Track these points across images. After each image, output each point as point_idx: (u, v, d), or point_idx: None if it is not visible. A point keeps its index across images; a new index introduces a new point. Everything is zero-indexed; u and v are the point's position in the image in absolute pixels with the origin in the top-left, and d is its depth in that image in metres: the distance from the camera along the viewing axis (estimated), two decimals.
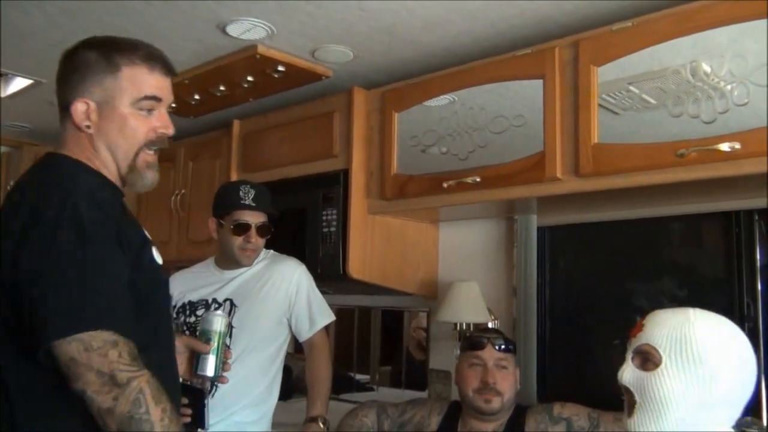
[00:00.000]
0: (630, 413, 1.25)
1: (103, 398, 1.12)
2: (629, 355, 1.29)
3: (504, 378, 2.08)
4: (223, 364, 1.67)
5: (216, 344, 1.65)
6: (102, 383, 1.13)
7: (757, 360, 2.04)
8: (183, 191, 3.47)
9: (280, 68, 2.62)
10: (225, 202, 2.30)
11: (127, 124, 1.33)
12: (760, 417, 2.03)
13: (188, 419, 1.67)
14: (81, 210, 1.20)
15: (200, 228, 3.13)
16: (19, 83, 3.03)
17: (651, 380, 1.23)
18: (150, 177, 1.40)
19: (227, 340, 1.72)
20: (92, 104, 1.32)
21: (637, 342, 1.28)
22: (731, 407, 1.22)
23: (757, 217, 2.15)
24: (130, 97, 1.32)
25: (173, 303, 2.34)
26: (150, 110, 1.35)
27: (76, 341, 1.13)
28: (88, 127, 1.33)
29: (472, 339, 2.18)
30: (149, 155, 1.37)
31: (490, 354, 2.10)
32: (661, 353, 1.23)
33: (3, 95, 3.14)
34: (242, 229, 2.25)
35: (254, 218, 2.27)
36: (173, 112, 3.20)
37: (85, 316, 1.15)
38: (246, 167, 3.09)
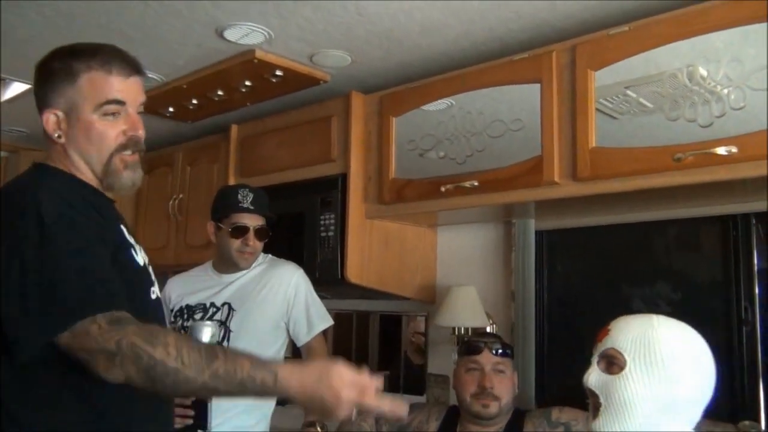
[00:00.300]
0: (595, 415, 1.29)
1: (114, 371, 1.13)
2: (595, 359, 1.33)
3: (501, 382, 2.08)
4: None
5: None
6: (103, 359, 1.13)
7: (755, 364, 2.09)
8: (181, 196, 3.47)
9: (278, 73, 2.63)
10: (223, 205, 2.31)
11: (93, 130, 1.33)
12: (758, 420, 2.03)
13: (190, 420, 1.65)
14: (43, 210, 1.19)
15: (198, 232, 3.14)
16: (16, 88, 3.03)
17: (615, 383, 1.26)
18: (128, 177, 1.38)
19: None
20: (60, 114, 1.33)
21: (602, 346, 1.32)
22: (692, 409, 1.26)
23: (754, 221, 2.15)
24: (91, 103, 1.32)
25: (171, 307, 2.34)
26: (115, 114, 1.33)
27: (69, 333, 1.15)
28: (59, 137, 1.34)
29: (470, 343, 2.18)
30: (126, 156, 1.36)
31: (488, 358, 2.10)
32: (626, 357, 1.26)
33: (1, 100, 3.14)
34: (240, 232, 2.26)
35: (252, 221, 2.27)
36: (172, 117, 3.23)
37: (63, 312, 1.15)
38: (244, 172, 3.09)
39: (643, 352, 1.25)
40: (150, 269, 1.42)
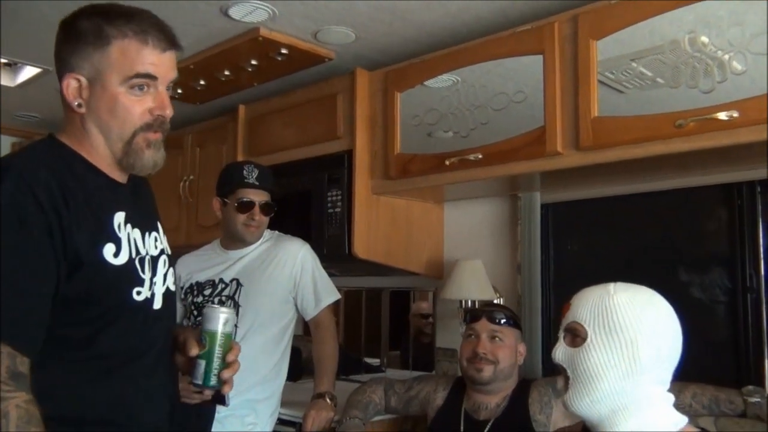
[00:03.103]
0: (566, 389, 1.31)
1: None
2: (561, 334, 1.34)
3: (498, 348, 2.10)
4: (222, 371, 1.32)
5: (209, 347, 1.31)
6: None
7: (760, 331, 2.09)
8: (191, 177, 3.51)
9: (283, 51, 2.65)
10: (229, 180, 2.34)
11: (118, 104, 1.21)
12: (763, 385, 2.04)
13: (209, 398, 1.65)
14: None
15: (209, 213, 3.15)
16: (27, 72, 3.07)
17: (579, 355, 1.27)
18: (151, 157, 1.25)
19: (231, 342, 1.36)
20: (83, 80, 1.21)
21: (566, 321, 1.33)
22: (656, 369, 1.26)
23: (759, 188, 2.15)
24: (120, 74, 1.20)
25: (181, 285, 2.38)
26: (144, 89, 1.21)
27: None
28: (80, 105, 1.22)
29: (470, 312, 2.22)
30: (149, 135, 1.24)
31: (484, 326, 2.12)
32: (587, 328, 1.27)
33: (12, 85, 3.18)
34: (246, 206, 2.29)
35: (258, 196, 2.30)
36: (181, 99, 3.26)
37: None
38: (252, 151, 3.12)
39: (601, 322, 1.26)
40: (143, 264, 1.26)
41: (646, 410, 1.25)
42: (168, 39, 1.24)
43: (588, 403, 1.26)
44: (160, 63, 1.22)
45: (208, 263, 2.40)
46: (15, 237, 1.09)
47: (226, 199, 2.33)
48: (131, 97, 1.21)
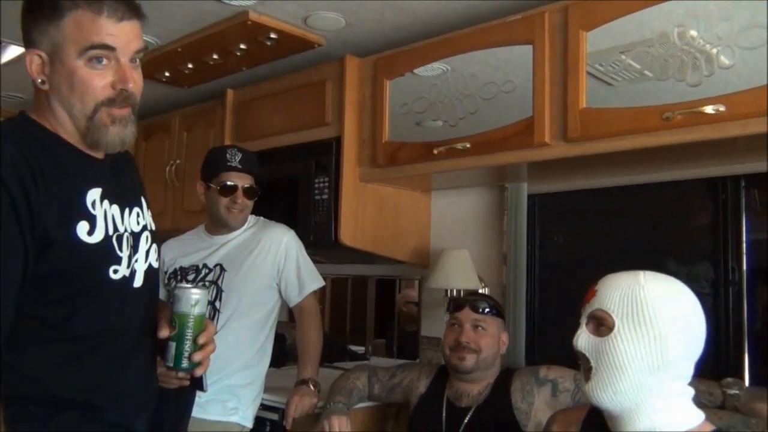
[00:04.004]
0: (587, 378, 1.28)
1: None
2: (583, 321, 1.30)
3: (481, 338, 2.10)
4: (193, 353, 1.30)
5: (179, 328, 1.29)
6: None
7: (739, 324, 2.11)
8: (178, 161, 3.49)
9: (273, 35, 2.63)
10: (212, 164, 2.32)
11: (76, 79, 1.17)
12: (742, 377, 2.06)
13: (187, 383, 1.64)
14: None
15: (195, 198, 3.14)
16: (12, 51, 3.03)
17: (605, 345, 1.24)
18: (117, 134, 1.21)
19: (204, 323, 1.33)
20: (44, 56, 1.18)
21: (590, 307, 1.29)
22: (682, 365, 1.25)
23: (743, 183, 2.16)
24: (75, 47, 1.15)
25: (165, 269, 2.37)
26: (102, 61, 1.17)
27: None
28: (42, 82, 1.19)
29: (454, 301, 2.23)
30: (114, 110, 1.20)
31: (467, 315, 2.13)
32: (614, 318, 1.25)
33: None
34: (229, 190, 2.27)
35: (241, 180, 2.29)
36: (168, 82, 3.23)
37: None
38: (240, 137, 3.10)
39: (631, 312, 1.23)
40: (121, 241, 1.24)
41: (667, 406, 1.23)
42: (125, 7, 1.19)
43: (610, 395, 1.23)
44: (117, 33, 1.17)
45: (192, 248, 2.39)
46: None
47: (209, 183, 2.31)
48: (90, 71, 1.17)
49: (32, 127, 1.21)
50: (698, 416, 1.25)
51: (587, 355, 1.27)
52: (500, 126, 2.21)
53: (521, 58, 2.17)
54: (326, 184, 2.68)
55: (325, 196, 2.68)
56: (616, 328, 1.24)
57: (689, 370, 1.26)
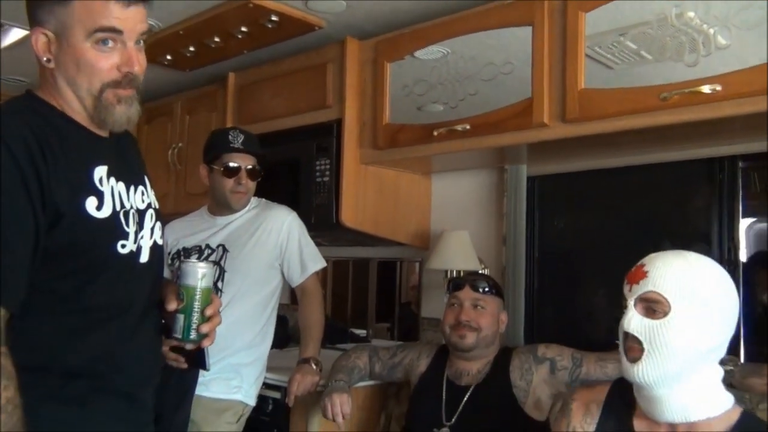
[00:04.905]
0: (634, 360, 1.25)
1: None
2: (631, 302, 1.27)
3: (481, 316, 2.13)
4: (201, 325, 1.34)
5: (186, 301, 1.32)
6: None
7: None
8: (180, 145, 3.50)
9: (274, 18, 2.63)
10: (214, 146, 2.34)
11: (83, 59, 1.19)
12: (738, 354, 2.08)
13: (184, 365, 1.62)
14: None
15: (198, 181, 3.16)
16: (15, 34, 3.04)
17: (660, 329, 1.22)
18: (123, 113, 1.24)
19: (211, 296, 1.37)
20: (51, 35, 1.19)
21: (640, 289, 1.26)
22: (725, 346, 1.26)
23: (740, 163, 2.18)
24: (83, 29, 1.18)
25: (168, 250, 2.39)
26: (109, 43, 1.19)
27: None
28: (48, 61, 1.21)
29: (454, 281, 2.25)
30: (120, 91, 1.23)
31: (467, 294, 2.15)
32: (670, 300, 1.23)
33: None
34: (232, 172, 2.29)
35: (244, 161, 2.30)
36: (170, 66, 3.24)
37: None
38: (242, 120, 3.12)
39: (687, 296, 1.22)
40: (128, 217, 1.27)
41: (705, 389, 1.24)
42: None
43: (660, 377, 1.23)
44: (125, 17, 1.20)
45: (195, 229, 2.41)
46: None
47: (212, 166, 2.33)
48: (97, 53, 1.20)
49: (39, 105, 1.23)
50: (729, 399, 1.26)
51: (639, 337, 1.25)
52: (499, 107, 2.22)
53: (521, 39, 2.18)
54: (327, 167, 2.70)
55: (326, 179, 2.70)
56: (672, 312, 1.22)
57: (724, 351, 1.27)
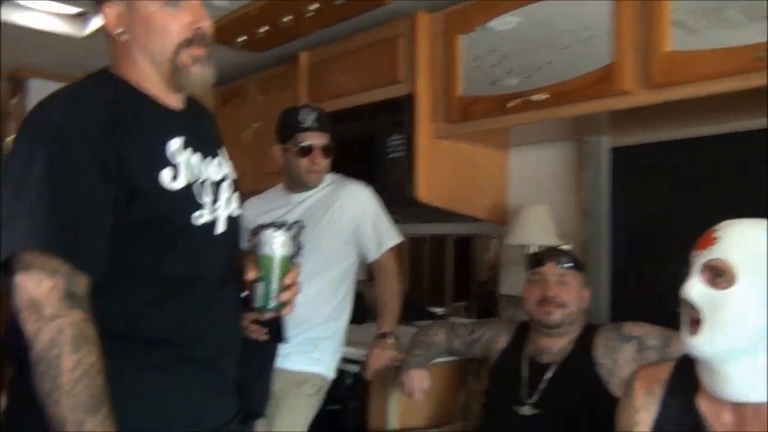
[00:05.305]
0: (694, 331, 1.18)
1: (30, 326, 1.07)
2: (696, 269, 1.20)
3: (565, 292, 2.07)
4: (280, 293, 1.33)
5: (266, 270, 1.32)
6: (31, 310, 1.08)
7: None
8: (255, 124, 3.55)
9: None
10: (287, 126, 2.35)
11: (154, 23, 1.21)
12: None
13: (265, 336, 1.66)
14: (57, 133, 1.12)
15: (274, 160, 3.22)
16: (96, 23, 3.13)
17: (724, 299, 1.15)
18: (198, 73, 1.25)
19: (289, 265, 1.35)
20: (121, 6, 1.21)
21: (708, 255, 1.19)
22: None
23: None
24: None
25: (247, 227, 2.42)
26: (177, 3, 1.21)
27: (21, 258, 1.09)
28: (121, 33, 1.22)
29: (535, 256, 2.18)
30: (194, 50, 1.24)
31: (551, 269, 2.09)
32: (737, 270, 1.15)
33: (81, 35, 3.26)
34: (306, 151, 2.30)
35: (317, 139, 2.30)
36: (244, 47, 3.27)
37: (35, 235, 1.09)
38: (314, 98, 3.12)
39: (755, 268, 1.14)
40: (204, 188, 1.27)
41: (762, 365, 1.16)
42: None
43: (720, 350, 1.16)
44: None
45: (271, 206, 2.44)
46: (65, 164, 1.11)
47: (285, 145, 2.34)
48: (166, 14, 1.21)
49: (113, 81, 1.25)
50: None
51: (700, 306, 1.18)
52: (578, 75, 2.14)
53: (597, 4, 2.08)
54: (401, 142, 2.68)
55: (400, 154, 2.68)
56: (738, 283, 1.15)
57: None
